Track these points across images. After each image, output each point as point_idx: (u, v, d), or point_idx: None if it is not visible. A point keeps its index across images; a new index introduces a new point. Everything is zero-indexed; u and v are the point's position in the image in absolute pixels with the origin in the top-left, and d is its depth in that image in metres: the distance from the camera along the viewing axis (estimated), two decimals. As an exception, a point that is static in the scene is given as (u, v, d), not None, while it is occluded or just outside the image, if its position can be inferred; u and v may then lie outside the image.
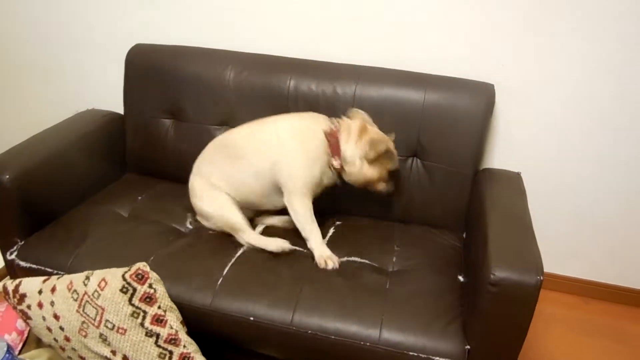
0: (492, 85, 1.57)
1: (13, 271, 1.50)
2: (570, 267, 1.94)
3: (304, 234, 1.47)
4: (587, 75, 1.59)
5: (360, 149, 1.46)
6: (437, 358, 1.20)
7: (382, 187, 1.53)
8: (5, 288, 1.37)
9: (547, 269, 1.89)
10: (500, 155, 1.76)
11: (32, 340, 1.57)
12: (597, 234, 1.84)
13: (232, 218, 1.49)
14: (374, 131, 1.50)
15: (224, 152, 1.56)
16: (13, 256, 1.48)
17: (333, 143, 1.47)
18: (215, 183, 1.53)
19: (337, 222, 1.63)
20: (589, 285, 1.94)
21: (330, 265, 1.40)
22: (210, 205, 1.52)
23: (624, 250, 1.85)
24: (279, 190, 1.50)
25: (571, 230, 1.85)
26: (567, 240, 1.88)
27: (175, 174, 1.82)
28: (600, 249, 1.87)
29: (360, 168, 1.48)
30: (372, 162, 1.47)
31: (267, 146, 1.49)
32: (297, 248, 1.47)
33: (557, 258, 1.93)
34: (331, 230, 1.58)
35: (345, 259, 1.46)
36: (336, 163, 1.48)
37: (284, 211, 1.52)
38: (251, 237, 1.48)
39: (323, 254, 1.43)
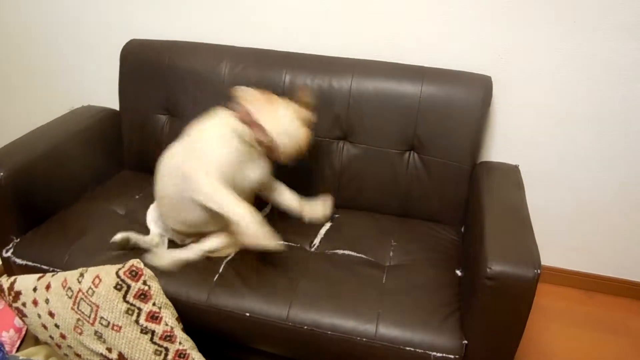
0: (490, 78, 1.55)
1: (9, 269, 1.50)
2: (572, 260, 1.93)
3: (223, 210, 1.24)
4: (585, 66, 1.57)
5: (283, 114, 1.38)
6: (434, 353, 1.19)
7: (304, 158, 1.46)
8: (0, 286, 1.37)
9: (548, 262, 1.92)
10: (498, 148, 1.75)
11: (30, 338, 1.57)
12: (599, 227, 1.82)
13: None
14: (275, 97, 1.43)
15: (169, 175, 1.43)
16: (9, 254, 1.48)
17: (249, 120, 1.34)
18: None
19: (335, 215, 1.62)
20: (591, 278, 1.92)
21: (267, 242, 1.20)
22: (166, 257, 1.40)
23: (626, 242, 1.83)
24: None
25: (572, 223, 1.84)
26: (568, 233, 1.86)
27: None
28: (602, 242, 1.85)
29: (294, 132, 1.39)
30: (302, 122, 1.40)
31: (175, 155, 1.40)
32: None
33: (558, 251, 1.91)
34: (328, 224, 1.57)
35: (342, 252, 1.45)
36: (264, 138, 1.35)
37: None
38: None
39: (256, 229, 1.21)
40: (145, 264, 1.26)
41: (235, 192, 1.27)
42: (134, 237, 1.41)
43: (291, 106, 1.42)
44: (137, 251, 1.41)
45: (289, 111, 1.40)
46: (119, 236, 1.38)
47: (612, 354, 1.68)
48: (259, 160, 1.41)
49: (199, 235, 1.44)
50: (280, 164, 1.46)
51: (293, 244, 1.49)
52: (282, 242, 1.34)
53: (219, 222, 1.37)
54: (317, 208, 1.58)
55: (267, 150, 1.40)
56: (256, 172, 1.41)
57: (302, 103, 1.45)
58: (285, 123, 1.39)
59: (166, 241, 1.48)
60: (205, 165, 1.29)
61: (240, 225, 1.22)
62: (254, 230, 1.22)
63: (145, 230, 1.49)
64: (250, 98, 1.40)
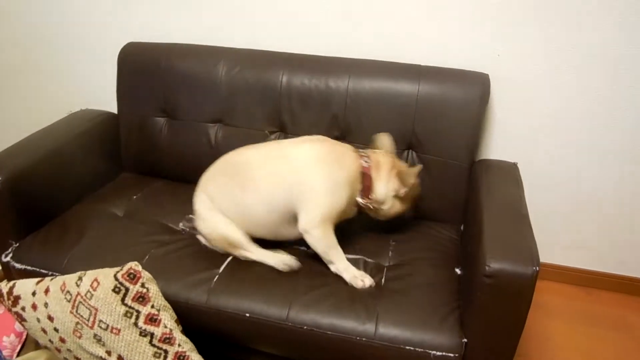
0: (487, 75, 1.55)
1: (8, 273, 1.50)
2: (572, 257, 1.92)
3: (326, 258, 1.36)
4: (583, 64, 1.56)
5: (392, 186, 1.40)
6: (434, 352, 1.19)
7: (407, 213, 1.50)
8: None
9: (548, 259, 1.92)
10: (497, 145, 1.74)
11: (31, 342, 1.57)
12: (598, 223, 1.82)
13: (231, 235, 1.39)
14: (401, 165, 1.45)
15: (233, 172, 1.43)
16: (8, 258, 1.48)
17: (365, 181, 1.38)
18: (219, 205, 1.42)
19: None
20: (591, 275, 1.92)
21: (367, 283, 1.31)
22: (209, 225, 1.42)
23: (626, 239, 1.83)
24: (291, 219, 1.37)
25: (572, 220, 1.83)
26: (568, 230, 1.86)
27: (170, 172, 1.82)
28: (601, 239, 1.85)
29: (392, 206, 1.43)
30: (403, 197, 1.42)
31: (286, 168, 1.36)
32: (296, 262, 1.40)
33: (558, 248, 1.91)
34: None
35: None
36: (363, 201, 1.39)
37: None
38: (254, 252, 1.40)
39: (355, 274, 1.33)
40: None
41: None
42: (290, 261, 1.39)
43: (409, 178, 1.40)
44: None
45: (403, 188, 1.40)
46: (293, 263, 1.37)
47: (612, 350, 1.67)
48: (353, 204, 1.41)
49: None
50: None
51: (292, 245, 1.48)
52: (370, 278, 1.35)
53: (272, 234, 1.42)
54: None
55: (368, 206, 1.42)
56: (350, 212, 1.43)
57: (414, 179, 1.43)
58: (391, 196, 1.41)
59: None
60: (324, 211, 1.32)
61: (333, 265, 1.36)
62: (347, 272, 1.34)
63: (145, 230, 1.49)
64: (376, 160, 1.41)
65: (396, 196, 1.42)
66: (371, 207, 1.42)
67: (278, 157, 1.40)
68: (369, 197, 1.39)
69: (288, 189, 1.34)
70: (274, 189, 1.36)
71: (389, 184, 1.40)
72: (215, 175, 1.47)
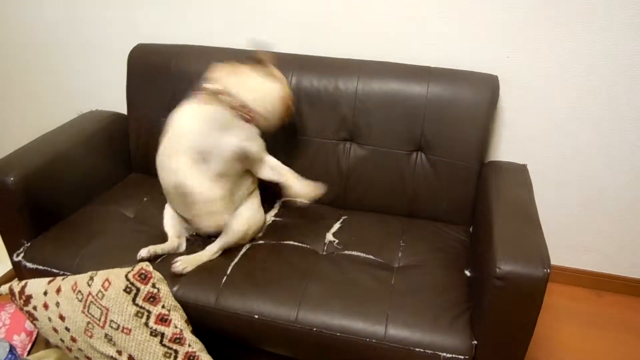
0: (496, 77, 1.55)
1: (20, 273, 1.51)
2: (582, 259, 1.91)
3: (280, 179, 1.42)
4: (592, 65, 1.56)
5: (247, 77, 1.42)
6: (444, 354, 1.19)
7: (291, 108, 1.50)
8: (11, 290, 1.38)
9: (558, 262, 1.91)
10: (506, 147, 1.74)
11: (41, 341, 1.58)
12: (608, 225, 1.81)
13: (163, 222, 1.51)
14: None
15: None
16: (20, 258, 1.48)
17: (218, 93, 1.38)
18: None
19: (343, 217, 1.62)
20: (601, 277, 1.91)
21: (319, 191, 1.35)
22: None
23: (636, 241, 1.81)
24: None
25: (581, 222, 1.83)
26: (578, 232, 1.85)
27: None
28: (611, 241, 1.84)
29: (267, 89, 1.44)
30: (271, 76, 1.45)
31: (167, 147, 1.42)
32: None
33: (568, 251, 1.90)
34: (337, 225, 1.57)
35: (350, 253, 1.45)
36: (243, 110, 1.38)
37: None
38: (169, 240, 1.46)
39: (305, 188, 1.39)
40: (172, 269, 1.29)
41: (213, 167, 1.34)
42: (156, 248, 1.41)
43: (260, 70, 1.43)
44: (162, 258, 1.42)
45: (258, 75, 1.42)
46: (144, 254, 1.38)
47: (623, 353, 1.66)
48: (239, 128, 1.40)
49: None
50: (271, 133, 1.48)
51: (302, 245, 1.49)
52: (320, 185, 1.39)
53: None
54: (304, 187, 1.47)
55: (248, 118, 1.40)
56: (234, 137, 1.38)
57: (267, 66, 1.44)
58: (255, 86, 1.41)
59: (184, 243, 1.49)
60: (178, 145, 1.34)
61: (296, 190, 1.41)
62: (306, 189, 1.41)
63: (155, 232, 1.50)
64: (216, 74, 1.42)
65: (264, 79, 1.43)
66: (251, 112, 1.40)
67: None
68: (238, 105, 1.38)
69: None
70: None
71: (241, 77, 1.41)
72: None
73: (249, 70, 1.43)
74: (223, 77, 1.41)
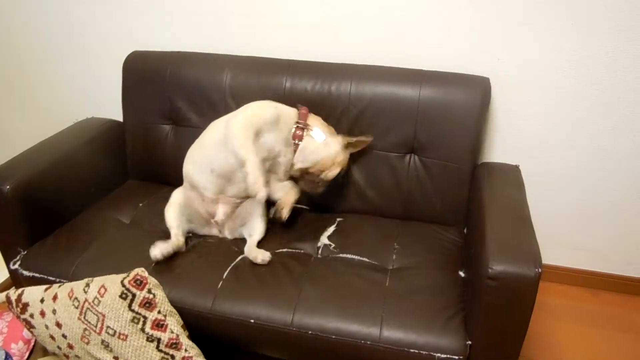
0: (488, 79, 1.56)
1: (17, 281, 1.52)
2: (576, 258, 1.92)
3: (240, 156, 1.40)
4: (583, 67, 1.57)
5: (329, 131, 1.53)
6: (439, 354, 1.19)
7: (322, 186, 1.55)
8: (8, 298, 1.39)
9: (552, 261, 1.92)
10: (499, 148, 1.75)
11: (39, 349, 1.59)
12: (602, 224, 1.82)
13: (168, 220, 1.52)
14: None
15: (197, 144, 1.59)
16: (16, 266, 1.49)
17: (303, 114, 1.53)
18: (189, 172, 1.56)
19: (338, 219, 1.63)
20: (596, 276, 1.92)
21: (261, 195, 1.35)
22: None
23: (630, 239, 1.83)
24: (232, 174, 1.48)
25: (575, 221, 1.84)
26: (572, 231, 1.86)
27: (175, 179, 1.81)
28: (605, 240, 1.85)
29: (330, 141, 1.52)
30: (346, 146, 1.53)
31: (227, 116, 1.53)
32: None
33: (562, 250, 1.91)
34: (332, 228, 1.58)
35: (344, 256, 1.46)
36: (301, 125, 1.51)
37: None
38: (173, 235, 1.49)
39: (258, 181, 1.37)
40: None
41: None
42: (167, 247, 1.43)
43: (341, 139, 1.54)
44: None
45: (335, 140, 1.53)
46: (160, 256, 1.40)
47: (619, 351, 1.67)
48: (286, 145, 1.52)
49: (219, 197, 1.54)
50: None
51: (297, 250, 1.50)
52: (266, 192, 1.40)
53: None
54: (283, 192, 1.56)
55: (297, 139, 1.52)
56: (281, 151, 1.51)
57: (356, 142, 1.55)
58: (329, 134, 1.53)
59: (182, 240, 1.50)
60: (245, 115, 1.46)
61: (247, 178, 1.38)
62: (256, 184, 1.37)
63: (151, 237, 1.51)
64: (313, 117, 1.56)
65: (342, 140, 1.53)
66: (307, 128, 1.51)
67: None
68: (302, 129, 1.50)
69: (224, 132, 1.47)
70: (214, 136, 1.51)
71: (325, 126, 1.54)
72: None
73: (334, 135, 1.54)
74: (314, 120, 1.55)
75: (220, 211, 1.54)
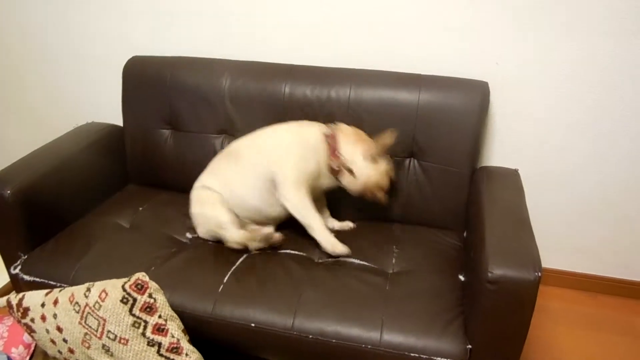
0: (486, 83, 1.57)
1: (18, 285, 1.52)
2: (576, 262, 1.93)
3: (304, 222, 1.44)
4: (581, 70, 1.58)
5: (360, 147, 1.48)
6: (439, 358, 1.20)
7: (381, 195, 1.53)
8: (9, 302, 1.39)
9: (552, 265, 1.92)
10: (498, 152, 1.76)
11: (39, 353, 1.58)
12: (601, 228, 1.83)
13: (219, 216, 1.48)
14: (366, 135, 1.52)
15: (225, 159, 1.57)
16: (17, 270, 1.50)
17: (331, 144, 1.48)
18: (215, 189, 1.53)
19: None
20: (595, 280, 1.92)
21: (338, 249, 1.37)
22: (202, 207, 1.52)
23: (629, 243, 1.83)
24: (273, 197, 1.48)
25: (574, 225, 1.84)
26: (571, 235, 1.87)
27: (175, 183, 1.84)
28: (604, 243, 1.86)
29: (362, 167, 1.48)
30: (374, 160, 1.48)
31: (264, 145, 1.51)
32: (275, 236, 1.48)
33: (562, 254, 1.91)
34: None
35: (344, 260, 1.46)
36: (334, 164, 1.48)
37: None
38: (234, 233, 1.47)
39: (329, 240, 1.40)
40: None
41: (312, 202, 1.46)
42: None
43: (375, 146, 1.49)
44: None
45: (371, 150, 1.48)
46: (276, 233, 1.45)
47: (618, 355, 1.67)
48: (328, 173, 1.52)
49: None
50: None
51: (297, 253, 1.50)
52: (347, 249, 1.45)
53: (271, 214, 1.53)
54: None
55: (335, 175, 1.51)
56: (326, 181, 1.53)
57: (385, 145, 1.50)
58: (362, 161, 1.48)
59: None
60: (293, 175, 1.44)
61: (311, 230, 1.45)
62: (329, 244, 1.44)
63: (150, 240, 1.51)
64: (342, 129, 1.52)
65: (366, 160, 1.47)
66: (341, 168, 1.48)
67: (260, 137, 1.55)
68: (336, 155, 1.47)
69: (266, 163, 1.47)
70: (257, 162, 1.50)
71: (356, 145, 1.48)
72: (209, 168, 1.60)
73: (368, 143, 1.50)
74: (344, 135, 1.51)
75: (266, 229, 1.51)
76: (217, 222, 1.49)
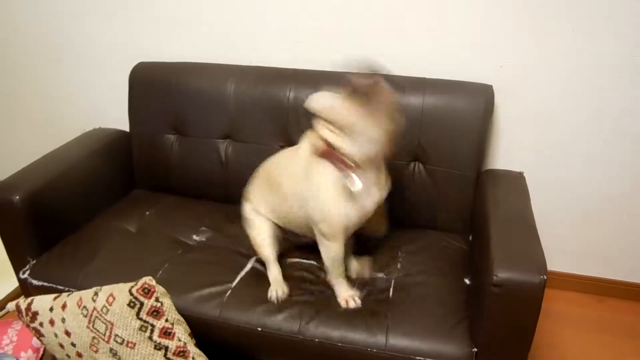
0: (491, 86, 1.57)
1: (26, 290, 1.54)
2: (582, 265, 1.92)
3: (327, 267, 1.37)
4: (586, 73, 1.58)
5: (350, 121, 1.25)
6: (445, 362, 1.20)
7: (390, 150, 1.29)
8: (18, 307, 1.40)
9: (558, 268, 1.92)
10: (503, 155, 1.76)
11: (48, 357, 1.59)
12: (607, 231, 1.82)
13: (263, 251, 1.45)
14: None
15: (266, 180, 1.49)
16: (26, 275, 1.51)
17: (330, 155, 1.28)
18: (261, 210, 1.49)
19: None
20: (602, 283, 1.91)
21: (351, 305, 1.32)
22: (251, 233, 1.49)
23: (636, 246, 1.82)
24: None
25: (580, 228, 1.84)
26: (578, 238, 1.86)
27: (181, 187, 1.85)
28: (611, 246, 1.85)
29: (364, 130, 1.24)
30: (368, 113, 1.24)
31: (295, 177, 1.37)
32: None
33: (568, 257, 1.91)
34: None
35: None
36: (345, 166, 1.26)
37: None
38: (271, 273, 1.43)
39: (344, 294, 1.35)
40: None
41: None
42: (282, 287, 1.39)
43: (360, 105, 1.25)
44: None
45: (369, 122, 1.25)
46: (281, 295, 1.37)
47: (625, 358, 1.66)
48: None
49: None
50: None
51: (306, 261, 1.51)
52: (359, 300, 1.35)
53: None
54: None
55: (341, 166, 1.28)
56: (371, 201, 1.34)
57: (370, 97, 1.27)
58: (366, 136, 1.25)
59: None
60: (335, 228, 1.30)
61: (331, 279, 1.38)
62: (342, 299, 1.35)
63: (157, 244, 1.52)
64: (318, 131, 1.31)
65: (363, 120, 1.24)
66: (355, 163, 1.26)
67: (290, 164, 1.40)
68: (340, 157, 1.27)
69: (301, 200, 1.35)
70: (293, 191, 1.37)
71: (344, 126, 1.25)
72: (254, 184, 1.54)
73: (351, 107, 1.26)
74: (335, 125, 1.28)
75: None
76: (261, 254, 1.46)
